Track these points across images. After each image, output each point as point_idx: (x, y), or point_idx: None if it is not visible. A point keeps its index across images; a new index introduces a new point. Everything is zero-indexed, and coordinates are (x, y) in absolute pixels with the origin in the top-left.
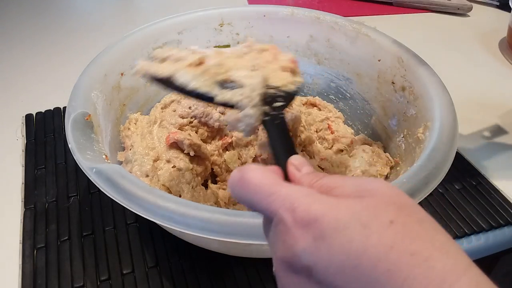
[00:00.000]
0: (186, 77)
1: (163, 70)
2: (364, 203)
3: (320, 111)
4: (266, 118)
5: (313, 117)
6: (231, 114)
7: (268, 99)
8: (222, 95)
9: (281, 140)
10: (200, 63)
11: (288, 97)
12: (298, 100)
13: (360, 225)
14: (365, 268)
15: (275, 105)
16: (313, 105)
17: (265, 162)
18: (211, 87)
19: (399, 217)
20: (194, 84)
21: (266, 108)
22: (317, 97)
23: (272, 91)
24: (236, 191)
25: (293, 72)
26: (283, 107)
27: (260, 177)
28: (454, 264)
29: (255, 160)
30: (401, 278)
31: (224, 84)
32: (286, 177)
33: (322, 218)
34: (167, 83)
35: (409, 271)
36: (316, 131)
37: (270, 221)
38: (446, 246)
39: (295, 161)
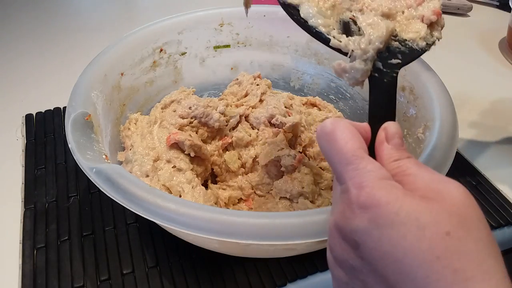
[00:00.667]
0: (311, 10)
1: None
2: (429, 206)
3: (320, 111)
4: (375, 74)
5: (313, 117)
6: (340, 62)
7: (385, 53)
8: (339, 39)
9: (384, 101)
10: None
11: (410, 54)
12: (298, 100)
13: (416, 226)
14: (406, 267)
15: (391, 61)
16: (313, 105)
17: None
18: (333, 26)
19: (458, 231)
20: (314, 20)
21: (380, 63)
22: (317, 97)
23: (395, 44)
24: (322, 142)
25: (433, 25)
26: (399, 65)
27: (347, 140)
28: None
29: (254, 160)
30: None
31: (348, 25)
32: (373, 140)
33: (384, 206)
34: (292, 11)
35: (447, 286)
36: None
37: (339, 180)
38: (492, 271)
39: (389, 128)
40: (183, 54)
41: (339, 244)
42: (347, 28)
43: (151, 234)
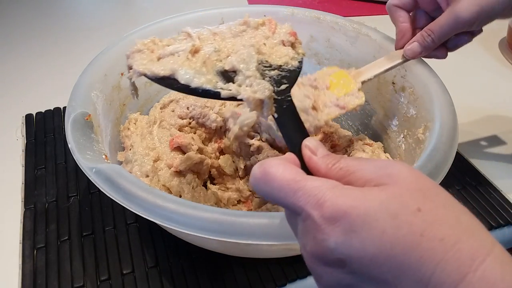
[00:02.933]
0: (188, 73)
1: (161, 68)
2: (390, 192)
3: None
4: (274, 105)
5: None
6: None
7: (271, 82)
8: (228, 88)
9: (292, 124)
10: (196, 50)
11: (292, 75)
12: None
13: (389, 216)
14: (399, 257)
15: (280, 88)
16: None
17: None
18: (215, 79)
19: (425, 203)
20: (197, 81)
21: (274, 95)
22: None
23: (274, 72)
24: (260, 187)
25: (294, 45)
26: (288, 89)
27: (282, 172)
28: (480, 245)
29: (246, 167)
30: (433, 263)
31: (227, 73)
32: (302, 161)
33: (350, 211)
34: (168, 82)
35: (441, 256)
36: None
37: (295, 214)
38: (471, 228)
39: (310, 143)
40: None
41: (325, 272)
42: (227, 76)
43: (151, 234)
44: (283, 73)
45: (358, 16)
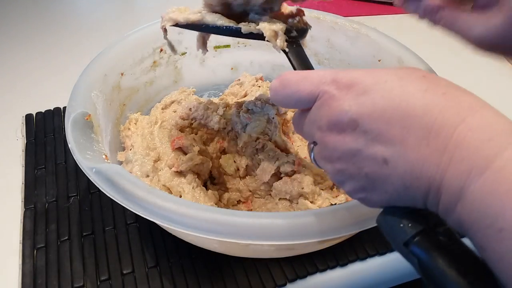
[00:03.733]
0: (214, 17)
1: (191, 14)
2: (399, 69)
3: None
4: (287, 42)
5: None
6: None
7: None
8: (247, 26)
9: (301, 59)
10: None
11: (301, 30)
12: None
13: (397, 78)
14: (404, 108)
15: (291, 35)
16: None
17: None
18: (233, 23)
19: (430, 75)
20: (221, 22)
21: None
22: None
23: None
24: (279, 93)
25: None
26: (297, 37)
27: (296, 73)
28: (478, 100)
29: (247, 166)
30: (436, 110)
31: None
32: None
33: (363, 78)
34: (196, 26)
35: (443, 104)
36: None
37: (307, 109)
38: (470, 92)
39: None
40: (183, 54)
41: (338, 141)
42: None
43: (151, 234)
44: (294, 29)
45: (358, 16)
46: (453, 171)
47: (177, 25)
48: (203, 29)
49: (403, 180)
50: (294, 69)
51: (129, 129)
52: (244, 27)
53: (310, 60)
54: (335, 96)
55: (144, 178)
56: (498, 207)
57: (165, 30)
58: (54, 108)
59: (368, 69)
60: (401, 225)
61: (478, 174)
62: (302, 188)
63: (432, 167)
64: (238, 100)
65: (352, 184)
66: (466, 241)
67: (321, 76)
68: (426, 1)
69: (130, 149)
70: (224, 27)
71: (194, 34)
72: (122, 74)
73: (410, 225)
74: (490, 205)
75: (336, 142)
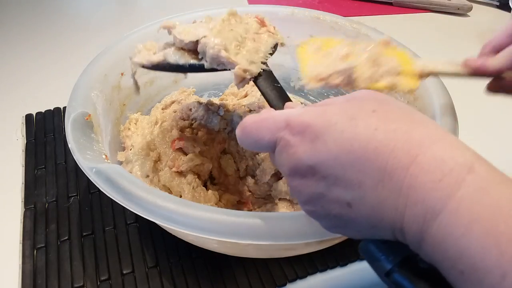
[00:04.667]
0: (176, 54)
1: (155, 56)
2: (350, 102)
3: None
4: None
5: None
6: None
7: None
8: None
9: (275, 90)
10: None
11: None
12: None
13: (347, 118)
14: (356, 151)
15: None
16: None
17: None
18: (197, 59)
19: (381, 106)
20: (183, 60)
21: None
22: None
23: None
24: (243, 141)
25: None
26: (265, 63)
27: (253, 117)
28: (431, 133)
29: (247, 167)
30: (387, 151)
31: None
32: None
33: (315, 121)
34: (162, 66)
35: (393, 144)
36: None
37: (274, 148)
38: (424, 121)
39: (290, 104)
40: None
41: (301, 185)
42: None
43: (151, 234)
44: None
45: (358, 16)
46: (410, 214)
47: (143, 67)
48: (168, 69)
49: (368, 221)
50: (265, 98)
51: (129, 129)
52: (207, 63)
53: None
54: (290, 142)
55: (144, 178)
56: (455, 251)
57: (134, 73)
58: (54, 108)
59: (322, 102)
60: (381, 256)
61: (433, 218)
62: None
63: (391, 210)
64: (239, 100)
65: (326, 223)
66: None
67: (276, 121)
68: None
69: (130, 149)
70: (188, 65)
71: None
72: (122, 74)
73: (389, 255)
74: (448, 249)
75: (300, 186)
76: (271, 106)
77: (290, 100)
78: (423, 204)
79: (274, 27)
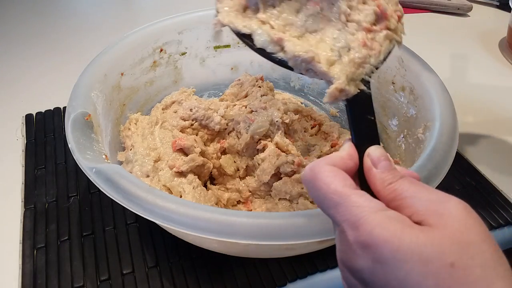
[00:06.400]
0: (264, 37)
1: (243, 24)
2: (430, 236)
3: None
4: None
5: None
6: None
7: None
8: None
9: (365, 122)
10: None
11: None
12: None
13: (419, 261)
14: None
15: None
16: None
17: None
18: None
19: (462, 259)
20: (271, 48)
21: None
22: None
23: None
24: (309, 188)
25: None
26: (368, 82)
27: (329, 182)
28: None
29: (247, 167)
30: None
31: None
32: (361, 166)
33: (383, 245)
34: (246, 40)
35: None
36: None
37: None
38: None
39: (374, 153)
40: (183, 54)
41: (349, 278)
42: None
43: (151, 234)
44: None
45: None
46: None
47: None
48: (253, 49)
49: None
50: (350, 127)
51: (129, 129)
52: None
53: None
54: (352, 246)
55: (144, 178)
56: None
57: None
58: (54, 108)
59: (397, 228)
60: None
61: None
62: (302, 188)
63: None
64: (240, 101)
65: None
66: None
67: (346, 213)
68: None
69: (130, 149)
70: (277, 59)
71: (194, 34)
72: (122, 74)
73: None
74: None
75: (348, 278)
76: (352, 139)
77: (378, 140)
78: None
79: (400, 18)
